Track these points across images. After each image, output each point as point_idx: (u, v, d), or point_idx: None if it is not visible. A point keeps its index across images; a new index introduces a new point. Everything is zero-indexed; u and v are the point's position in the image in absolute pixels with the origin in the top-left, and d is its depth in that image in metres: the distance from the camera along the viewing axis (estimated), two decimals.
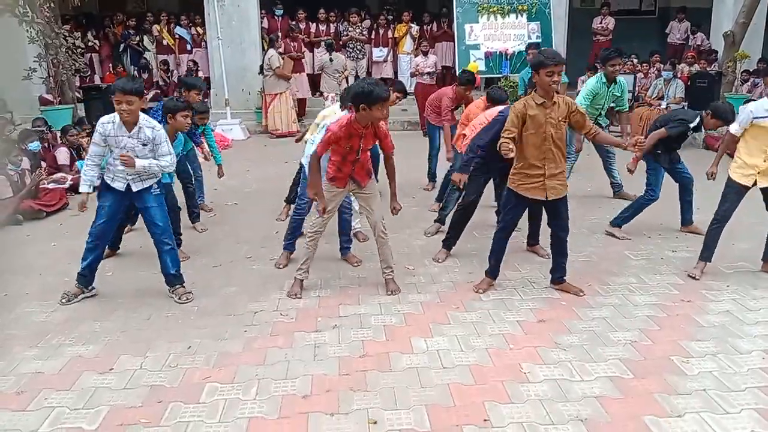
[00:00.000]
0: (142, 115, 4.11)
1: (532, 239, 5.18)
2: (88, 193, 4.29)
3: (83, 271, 4.30)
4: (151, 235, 4.34)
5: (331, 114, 4.99)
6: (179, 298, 4.28)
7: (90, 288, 4.38)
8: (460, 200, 5.15)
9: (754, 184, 4.41)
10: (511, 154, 3.85)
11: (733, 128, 4.42)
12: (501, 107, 5.17)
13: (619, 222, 5.52)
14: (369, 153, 4.30)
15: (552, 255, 4.40)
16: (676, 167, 5.41)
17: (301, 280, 4.36)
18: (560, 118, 4.02)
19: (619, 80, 6.47)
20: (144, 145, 4.11)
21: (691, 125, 5.15)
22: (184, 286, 4.36)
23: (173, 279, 4.34)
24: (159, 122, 4.35)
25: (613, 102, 6.54)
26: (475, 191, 5.04)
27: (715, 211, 4.56)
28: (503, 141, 3.92)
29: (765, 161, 4.32)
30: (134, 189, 4.20)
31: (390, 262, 4.41)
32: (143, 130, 4.10)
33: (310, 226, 4.33)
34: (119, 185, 4.18)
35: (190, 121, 5.11)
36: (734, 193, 4.44)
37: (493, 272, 4.41)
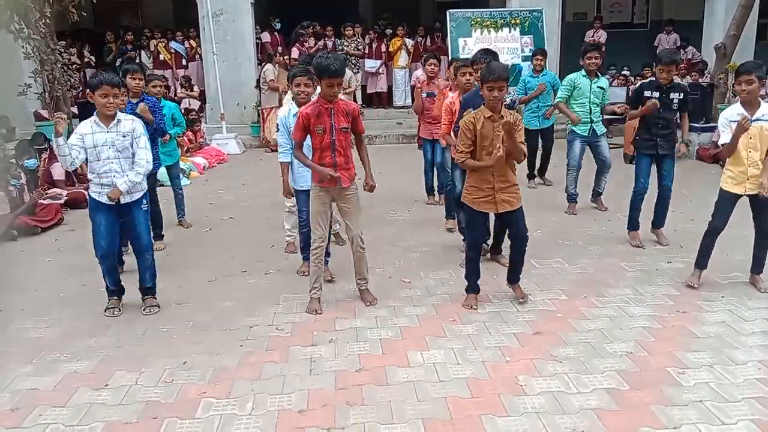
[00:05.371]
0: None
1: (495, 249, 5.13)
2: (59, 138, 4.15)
3: (111, 287, 4.40)
4: (133, 247, 4.52)
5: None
6: (144, 309, 4.39)
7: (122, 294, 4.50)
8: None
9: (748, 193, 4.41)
10: (498, 154, 3.93)
11: (722, 140, 4.44)
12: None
13: (633, 226, 5.62)
14: (348, 139, 4.22)
15: (510, 258, 4.48)
16: (662, 170, 5.49)
17: (318, 298, 4.36)
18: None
19: (600, 77, 6.60)
20: (124, 137, 4.17)
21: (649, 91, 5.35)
22: (155, 298, 4.49)
23: (147, 290, 4.48)
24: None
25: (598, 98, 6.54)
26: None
27: (708, 222, 4.58)
28: (464, 158, 4.09)
29: (750, 166, 4.33)
30: (122, 201, 4.24)
31: (365, 273, 4.47)
32: (122, 122, 4.19)
33: (312, 246, 4.32)
34: (107, 200, 4.19)
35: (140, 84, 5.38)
36: (726, 202, 4.46)
37: (474, 288, 4.39)
